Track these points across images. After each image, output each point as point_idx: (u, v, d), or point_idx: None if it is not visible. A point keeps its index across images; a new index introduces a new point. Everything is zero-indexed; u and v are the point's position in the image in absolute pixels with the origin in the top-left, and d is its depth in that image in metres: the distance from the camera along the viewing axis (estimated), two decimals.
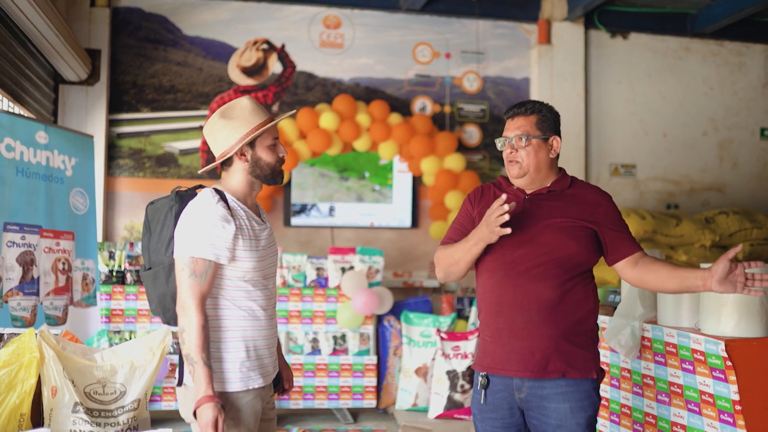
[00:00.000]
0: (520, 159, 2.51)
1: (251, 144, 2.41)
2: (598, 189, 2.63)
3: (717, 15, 6.96)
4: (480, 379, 2.54)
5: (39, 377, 2.75)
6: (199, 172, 2.61)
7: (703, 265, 2.56)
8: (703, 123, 7.43)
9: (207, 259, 2.27)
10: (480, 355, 2.57)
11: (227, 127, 2.39)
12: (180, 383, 2.36)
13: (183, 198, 2.41)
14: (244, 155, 2.41)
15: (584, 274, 2.51)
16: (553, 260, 2.45)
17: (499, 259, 2.51)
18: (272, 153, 2.44)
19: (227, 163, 2.44)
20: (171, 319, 2.40)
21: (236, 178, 2.44)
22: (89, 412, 2.72)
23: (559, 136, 2.59)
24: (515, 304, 2.46)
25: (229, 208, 2.34)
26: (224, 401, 2.32)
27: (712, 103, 7.46)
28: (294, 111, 2.64)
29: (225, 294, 2.36)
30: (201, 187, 2.49)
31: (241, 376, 2.35)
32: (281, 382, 2.64)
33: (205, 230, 2.28)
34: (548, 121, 2.56)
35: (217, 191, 2.39)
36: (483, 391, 2.52)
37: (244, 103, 2.43)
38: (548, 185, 2.56)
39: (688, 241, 5.88)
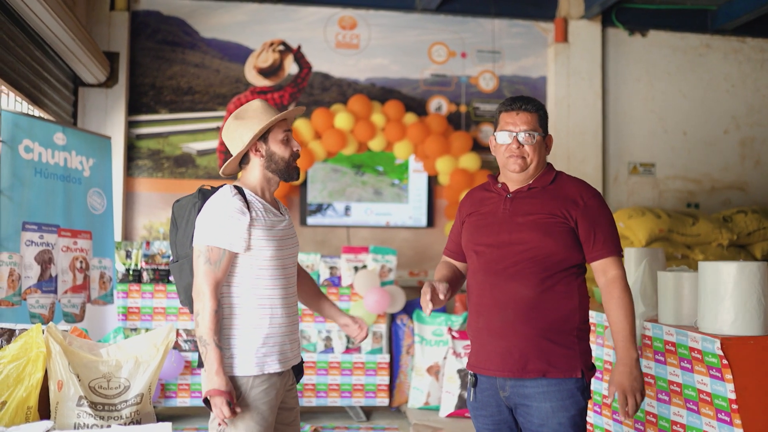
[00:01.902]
0: (526, 155, 2.50)
1: (265, 140, 2.56)
2: (582, 184, 2.57)
3: (738, 11, 6.87)
4: (470, 377, 2.57)
5: (46, 371, 2.82)
6: (220, 172, 2.71)
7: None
8: (724, 121, 7.34)
9: (221, 247, 2.44)
10: (469, 354, 2.61)
11: (241, 127, 2.55)
12: (200, 365, 2.48)
13: (205, 195, 2.56)
14: (259, 150, 2.57)
15: (567, 271, 2.47)
16: (529, 258, 2.43)
17: (480, 260, 2.53)
18: (285, 147, 2.58)
19: (245, 161, 2.61)
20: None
21: (253, 174, 2.60)
22: (93, 405, 2.78)
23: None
24: (493, 303, 2.47)
25: (245, 200, 2.49)
26: (237, 386, 2.45)
27: (734, 100, 7.37)
28: (303, 107, 2.74)
29: (243, 282, 2.50)
30: (224, 186, 2.62)
31: (256, 362, 2.48)
32: (302, 372, 2.72)
33: (220, 221, 2.45)
34: (545, 120, 2.58)
35: (236, 187, 2.55)
36: (473, 389, 2.55)
37: (256, 104, 2.59)
38: (530, 182, 2.55)
39: (705, 240, 5.82)
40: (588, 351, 2.50)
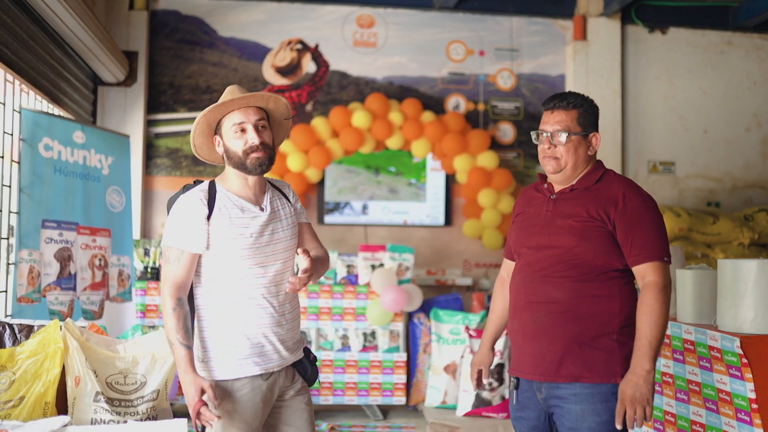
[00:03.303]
0: (559, 155, 2.43)
1: (221, 134, 2.44)
2: (628, 184, 2.45)
3: (760, 8, 6.78)
4: (512, 380, 2.54)
5: (63, 367, 2.85)
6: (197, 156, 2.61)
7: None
8: (745, 119, 7.25)
9: (177, 247, 2.36)
10: (512, 356, 2.59)
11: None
12: None
13: (186, 191, 2.48)
14: (220, 145, 2.45)
15: (607, 275, 2.37)
16: (564, 262, 2.38)
17: (520, 262, 2.52)
18: (238, 140, 2.39)
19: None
20: None
21: (227, 168, 2.49)
22: (110, 401, 2.80)
23: (598, 132, 2.50)
24: (527, 305, 2.44)
25: (211, 198, 2.39)
26: (217, 390, 2.35)
27: (756, 98, 7.27)
28: (243, 96, 2.41)
29: (212, 282, 2.41)
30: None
31: (234, 364, 2.38)
32: (310, 371, 2.57)
33: (176, 221, 2.38)
34: (589, 116, 2.46)
35: (211, 182, 2.46)
36: (515, 392, 2.53)
37: (225, 92, 2.44)
38: (574, 182, 2.47)
39: (725, 239, 5.76)
40: (629, 357, 2.33)
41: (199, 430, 2.32)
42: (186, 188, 2.50)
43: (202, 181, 2.51)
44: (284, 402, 2.51)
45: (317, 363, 2.62)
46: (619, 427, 2.25)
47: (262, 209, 2.47)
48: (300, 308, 2.62)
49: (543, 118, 2.49)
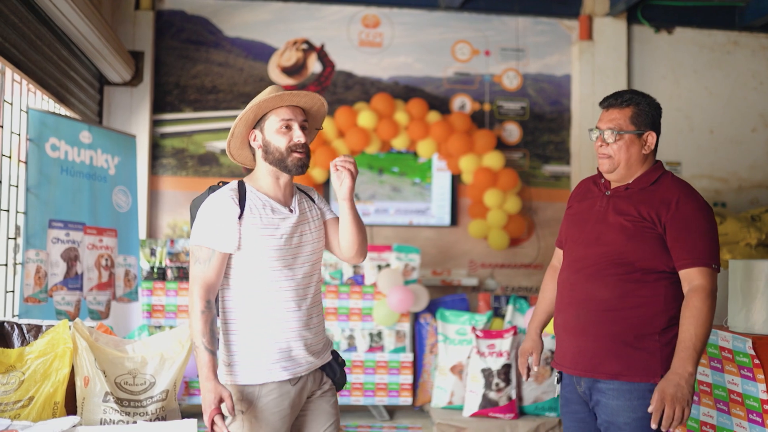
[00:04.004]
0: (612, 153, 2.43)
1: (261, 128, 2.39)
2: (684, 187, 2.44)
3: (767, 8, 6.76)
4: (556, 374, 2.60)
5: (72, 367, 2.84)
6: (228, 155, 2.55)
7: None
8: (752, 119, 7.23)
9: (209, 247, 2.30)
10: (555, 350, 2.62)
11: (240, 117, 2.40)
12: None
13: (212, 192, 2.44)
14: (257, 140, 2.40)
15: (654, 276, 2.37)
16: (610, 261, 2.39)
17: (567, 256, 2.55)
18: (282, 137, 2.36)
19: (254, 153, 2.45)
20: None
21: (258, 167, 2.44)
22: (119, 401, 2.80)
23: (657, 131, 2.47)
24: (571, 301, 2.47)
25: (242, 198, 2.34)
26: (245, 395, 2.31)
27: (762, 98, 7.25)
28: (306, 93, 2.42)
29: (241, 284, 2.36)
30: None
31: (261, 369, 2.33)
32: (339, 374, 2.53)
33: (207, 220, 2.33)
34: (645, 114, 2.45)
35: (240, 182, 2.41)
36: (558, 386, 2.59)
37: (264, 91, 2.40)
38: (630, 181, 2.47)
39: (732, 239, 5.74)
40: (672, 357, 2.33)
41: None
42: (212, 189, 2.47)
43: (227, 182, 2.47)
44: (310, 404, 2.47)
45: (346, 365, 2.58)
46: (654, 426, 2.25)
47: (291, 210, 2.43)
48: (323, 313, 2.58)
49: (600, 116, 2.51)
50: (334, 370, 2.51)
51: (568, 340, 2.47)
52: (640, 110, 2.44)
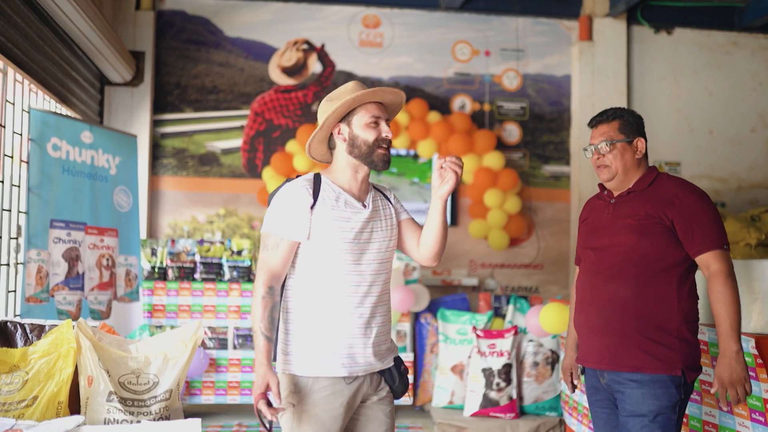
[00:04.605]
0: (608, 162, 2.64)
1: (348, 122, 2.40)
2: (682, 184, 2.62)
3: (766, 8, 6.78)
4: (579, 369, 2.85)
5: (76, 367, 2.84)
6: (307, 154, 2.55)
7: None
8: (751, 119, 7.24)
9: (278, 234, 2.31)
10: (578, 347, 2.82)
11: (326, 109, 2.40)
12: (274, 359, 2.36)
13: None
14: (342, 133, 2.41)
15: (667, 271, 2.53)
16: (627, 260, 2.56)
17: (585, 262, 2.74)
18: (371, 131, 2.39)
19: (331, 145, 2.46)
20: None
21: (338, 159, 2.45)
22: (123, 401, 2.80)
23: (644, 138, 2.68)
24: (592, 301, 2.65)
25: (316, 188, 2.35)
26: (300, 386, 2.30)
27: (761, 98, 7.27)
28: (399, 91, 2.47)
29: (304, 274, 2.36)
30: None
31: (315, 362, 2.31)
32: (398, 381, 2.46)
33: (279, 208, 2.34)
34: (630, 124, 2.67)
35: (316, 174, 2.42)
36: (581, 376, 2.80)
37: (349, 85, 2.43)
38: (630, 186, 2.66)
39: (732, 239, 5.74)
40: (692, 352, 2.53)
41: (266, 426, 2.21)
42: (289, 181, 2.46)
43: (292, 177, 2.47)
44: (365, 409, 2.42)
45: (407, 374, 2.52)
46: (725, 409, 2.41)
47: (364, 206, 2.43)
48: (391, 315, 2.53)
49: (591, 134, 2.74)
50: (393, 377, 2.44)
51: (592, 338, 2.64)
52: (626, 121, 2.67)
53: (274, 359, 2.36)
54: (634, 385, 2.51)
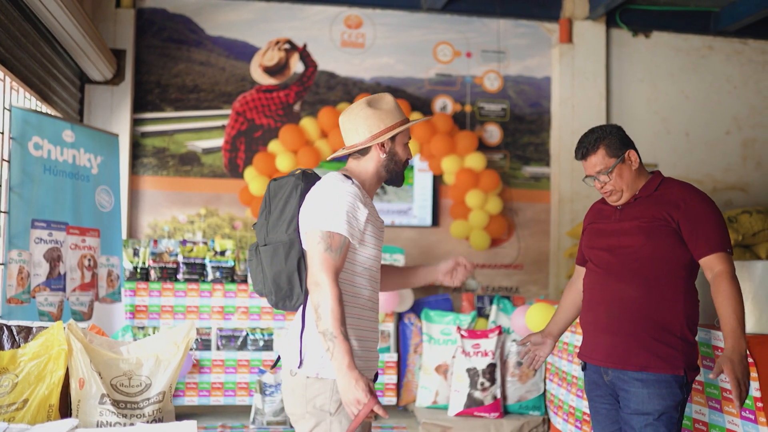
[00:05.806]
0: (613, 187, 2.69)
1: (392, 138, 2.44)
2: (687, 188, 2.68)
3: (741, 13, 6.90)
4: (581, 364, 2.87)
5: (67, 369, 2.81)
6: (337, 155, 2.53)
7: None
8: (726, 122, 7.37)
9: (342, 234, 2.25)
10: (580, 344, 2.86)
11: (373, 116, 2.40)
12: (300, 365, 2.27)
13: (309, 178, 2.39)
14: (384, 147, 2.43)
15: (673, 273, 2.59)
16: (634, 261, 2.61)
17: (591, 265, 2.78)
18: (405, 151, 2.49)
19: (362, 151, 2.44)
20: (280, 300, 2.33)
21: (367, 167, 2.45)
22: (116, 403, 2.77)
23: (634, 148, 2.70)
24: (601, 300, 2.69)
25: (363, 194, 2.37)
26: (332, 392, 2.22)
27: (736, 101, 7.40)
28: (429, 117, 2.60)
29: (349, 279, 2.33)
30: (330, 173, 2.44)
31: (366, 362, 2.32)
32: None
33: (341, 207, 2.27)
34: (614, 142, 2.69)
35: (347, 177, 2.37)
36: (583, 372, 2.83)
37: (390, 98, 2.47)
38: (636, 193, 2.71)
39: None
40: (693, 352, 2.59)
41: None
42: (306, 174, 2.41)
43: (306, 171, 2.43)
44: None
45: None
46: (739, 404, 2.40)
47: None
48: None
49: (583, 166, 2.75)
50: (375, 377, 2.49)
51: (599, 336, 2.68)
52: (609, 142, 2.68)
53: (299, 365, 2.27)
54: (639, 384, 2.55)
